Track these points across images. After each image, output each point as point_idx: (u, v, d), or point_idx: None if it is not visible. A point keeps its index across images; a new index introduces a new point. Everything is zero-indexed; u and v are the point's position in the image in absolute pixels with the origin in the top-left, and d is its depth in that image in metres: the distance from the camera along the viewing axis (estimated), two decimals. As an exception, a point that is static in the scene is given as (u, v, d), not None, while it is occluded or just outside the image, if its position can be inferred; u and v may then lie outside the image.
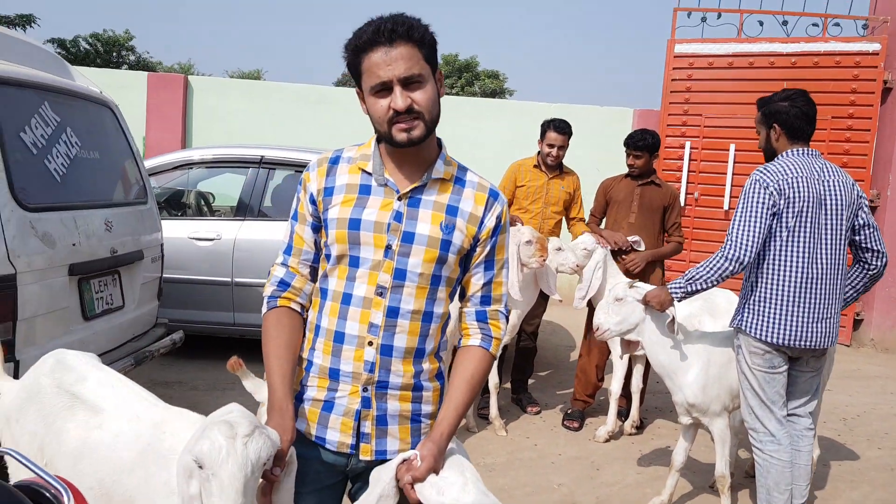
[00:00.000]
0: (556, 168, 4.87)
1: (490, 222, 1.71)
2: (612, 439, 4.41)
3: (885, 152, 7.83)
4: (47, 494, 1.56)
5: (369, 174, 1.69)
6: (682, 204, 8.54)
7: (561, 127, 4.74)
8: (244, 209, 5.57)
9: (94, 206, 3.62)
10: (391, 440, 1.69)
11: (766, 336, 2.94)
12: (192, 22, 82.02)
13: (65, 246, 3.28)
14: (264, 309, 1.74)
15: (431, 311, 1.69)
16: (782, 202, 2.92)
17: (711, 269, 3.00)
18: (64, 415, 2.03)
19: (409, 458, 1.52)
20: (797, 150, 3.06)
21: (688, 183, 8.55)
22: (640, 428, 4.59)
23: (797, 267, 2.92)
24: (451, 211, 1.67)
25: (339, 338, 1.66)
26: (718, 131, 8.36)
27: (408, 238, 1.64)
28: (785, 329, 2.92)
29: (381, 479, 1.52)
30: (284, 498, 1.56)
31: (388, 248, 1.64)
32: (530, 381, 5.21)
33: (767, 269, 2.97)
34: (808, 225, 2.91)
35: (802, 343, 2.92)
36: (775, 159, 3.07)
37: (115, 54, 28.21)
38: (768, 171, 2.98)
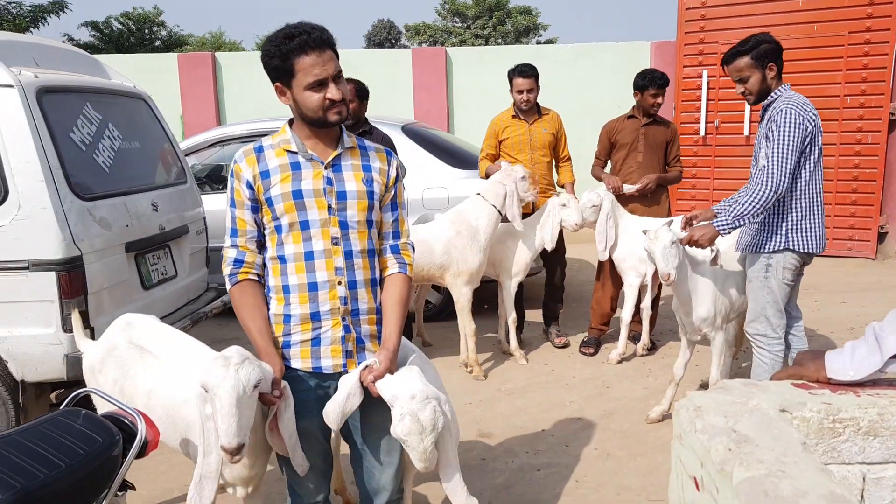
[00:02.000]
0: (534, 112, 5.02)
1: (392, 173, 2.20)
2: (625, 361, 4.83)
3: (902, 63, 7.81)
4: (126, 421, 2.05)
5: (294, 153, 2.08)
6: (703, 133, 8.71)
7: (525, 71, 4.88)
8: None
9: (141, 191, 4.10)
10: (368, 354, 2.15)
11: (809, 248, 3.29)
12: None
13: (119, 227, 3.78)
14: (228, 286, 2.15)
15: (373, 248, 2.18)
16: (814, 131, 3.20)
17: (756, 203, 3.18)
18: (136, 363, 2.55)
19: (369, 364, 2.03)
20: (787, 86, 3.31)
21: (707, 112, 8.68)
22: (651, 349, 4.98)
23: (820, 185, 3.30)
24: (367, 169, 2.15)
25: (312, 287, 2.08)
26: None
27: (342, 196, 2.09)
28: (819, 239, 3.31)
29: (348, 382, 2.01)
30: (288, 425, 2.03)
31: (329, 207, 2.07)
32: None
33: (802, 191, 3.25)
34: (820, 148, 3.25)
35: (823, 249, 3.33)
36: (789, 94, 3.26)
37: (146, 31, 28.69)
38: (801, 107, 3.18)
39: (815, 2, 7.99)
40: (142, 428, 2.02)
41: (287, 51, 1.96)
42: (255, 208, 2.10)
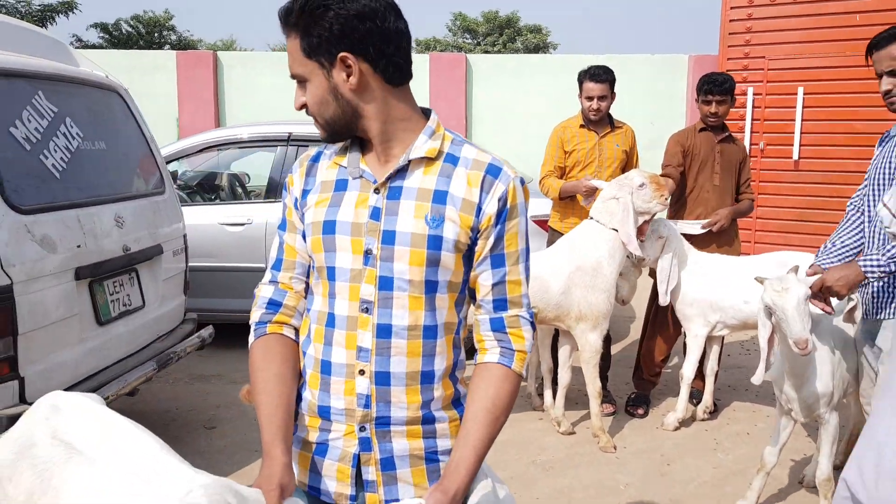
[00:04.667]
0: (607, 123, 4.24)
1: (490, 207, 1.34)
2: (683, 426, 3.99)
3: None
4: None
5: (345, 168, 1.41)
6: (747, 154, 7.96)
7: (597, 74, 4.07)
8: (274, 190, 5.26)
9: (102, 202, 3.33)
10: (403, 486, 1.39)
11: None
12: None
13: (67, 248, 3.01)
14: (251, 338, 1.46)
15: (434, 325, 1.36)
16: None
17: None
18: (60, 469, 1.74)
19: None
20: None
21: (752, 132, 7.93)
22: (713, 412, 4.14)
23: None
24: (439, 198, 1.34)
25: (325, 368, 1.38)
26: (784, 74, 7.67)
27: (388, 238, 1.33)
28: None
29: None
30: None
31: (368, 252, 1.34)
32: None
33: None
34: None
35: None
36: None
37: (156, 34, 28.37)
38: None
39: (873, 17, 7.25)
40: None
41: None
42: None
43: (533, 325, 1.43)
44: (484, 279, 1.39)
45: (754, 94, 7.90)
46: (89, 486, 1.64)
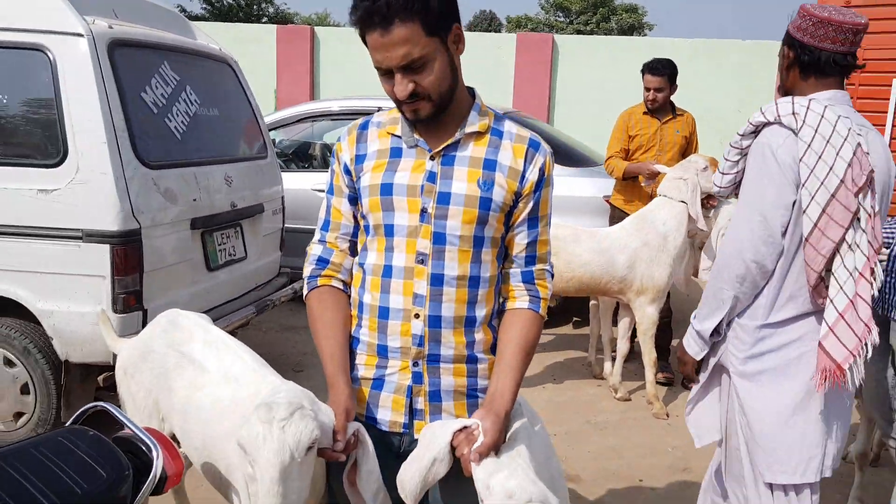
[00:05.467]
0: (668, 111, 4.53)
1: (532, 175, 1.57)
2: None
3: None
4: (143, 448, 1.64)
5: (399, 137, 1.59)
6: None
7: (656, 68, 4.41)
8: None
9: (214, 162, 3.76)
10: (446, 417, 1.59)
11: None
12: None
13: (186, 201, 3.43)
14: (305, 290, 1.68)
15: (478, 276, 1.58)
16: None
17: None
18: (173, 373, 2.12)
19: (469, 427, 1.43)
20: None
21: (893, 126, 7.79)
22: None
23: None
24: (489, 165, 1.55)
25: (383, 313, 1.58)
26: (879, 65, 7.48)
27: (443, 199, 1.53)
28: None
29: (436, 442, 1.43)
30: (369, 481, 1.48)
31: (424, 211, 1.53)
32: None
33: None
34: None
35: None
36: None
37: (255, 6, 29.27)
38: None
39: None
40: (158, 461, 1.60)
41: (355, 21, 1.45)
42: (353, 199, 1.64)
43: (552, 276, 1.69)
44: (520, 238, 1.61)
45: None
46: (197, 386, 2.03)
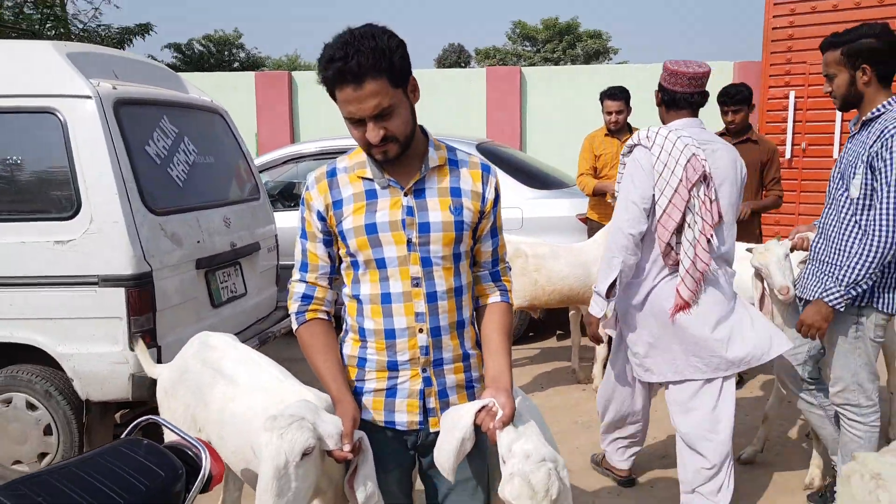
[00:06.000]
0: (626, 131, 5.10)
1: (490, 195, 1.85)
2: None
3: None
4: (190, 453, 1.90)
5: (370, 180, 1.78)
6: (789, 156, 8.26)
7: (614, 94, 5.03)
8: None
9: (213, 206, 4.03)
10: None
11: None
12: (297, 11, 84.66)
13: (191, 243, 3.69)
14: (294, 325, 1.88)
15: (461, 285, 1.85)
16: None
17: (870, 262, 2.60)
18: (209, 388, 2.37)
19: (486, 406, 1.71)
20: None
21: (794, 133, 8.24)
22: (739, 383, 4.64)
23: None
24: (455, 193, 1.80)
25: (389, 335, 1.81)
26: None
27: (424, 228, 1.76)
28: None
29: (461, 423, 1.69)
30: (365, 484, 1.70)
31: (410, 242, 1.76)
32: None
33: None
34: None
35: None
36: None
37: (226, 53, 29.59)
38: None
39: (918, 20, 7.50)
40: (206, 462, 1.86)
41: (326, 78, 1.64)
42: (329, 241, 1.84)
43: (510, 269, 2.00)
44: (486, 247, 1.90)
45: (796, 98, 8.21)
46: (231, 398, 2.28)
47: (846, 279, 2.65)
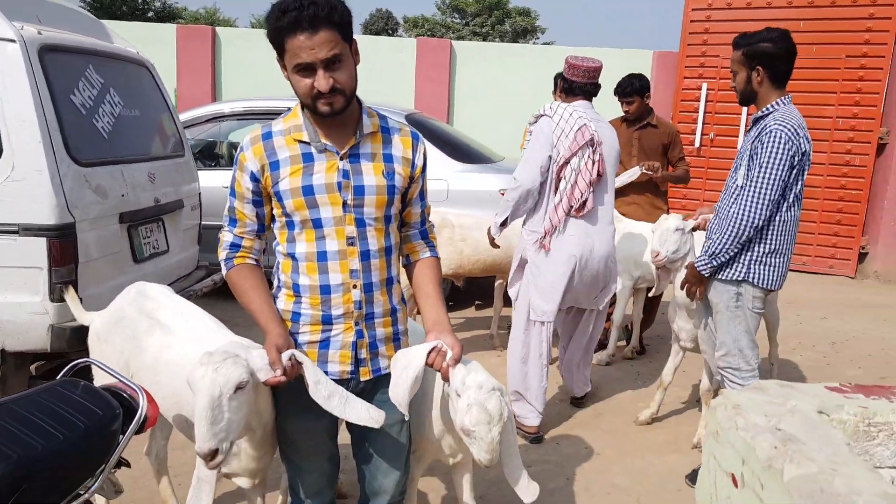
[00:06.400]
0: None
1: (419, 162, 2.00)
2: (613, 362, 4.88)
3: (899, 90, 7.90)
4: (125, 395, 1.97)
5: (307, 143, 1.87)
6: (698, 144, 8.72)
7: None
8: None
9: (139, 160, 3.99)
10: (382, 359, 2.02)
11: (768, 284, 3.02)
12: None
13: (115, 196, 3.67)
14: (224, 270, 1.98)
15: (391, 245, 2.00)
16: (803, 160, 2.90)
17: (731, 238, 2.93)
18: (144, 335, 2.43)
19: (436, 347, 1.89)
20: (787, 99, 3.01)
21: (704, 124, 8.70)
22: (641, 353, 5.01)
23: (796, 218, 3.01)
24: (388, 159, 1.94)
25: (325, 290, 1.92)
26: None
27: (359, 191, 1.88)
28: (781, 277, 3.07)
29: (414, 364, 1.86)
30: (318, 389, 1.81)
31: (345, 203, 1.88)
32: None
33: (778, 224, 2.96)
34: (804, 179, 2.97)
35: (781, 286, 3.11)
36: (786, 111, 2.96)
37: (140, 1, 28.34)
38: (794, 129, 2.87)
39: (815, 24, 8.04)
40: (143, 403, 1.93)
41: (278, 27, 1.72)
42: (258, 202, 1.92)
43: (433, 226, 2.17)
44: (415, 209, 2.05)
45: (708, 90, 8.67)
46: (168, 346, 2.35)
47: (709, 250, 3.03)
